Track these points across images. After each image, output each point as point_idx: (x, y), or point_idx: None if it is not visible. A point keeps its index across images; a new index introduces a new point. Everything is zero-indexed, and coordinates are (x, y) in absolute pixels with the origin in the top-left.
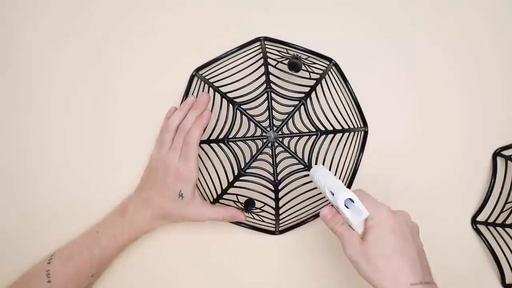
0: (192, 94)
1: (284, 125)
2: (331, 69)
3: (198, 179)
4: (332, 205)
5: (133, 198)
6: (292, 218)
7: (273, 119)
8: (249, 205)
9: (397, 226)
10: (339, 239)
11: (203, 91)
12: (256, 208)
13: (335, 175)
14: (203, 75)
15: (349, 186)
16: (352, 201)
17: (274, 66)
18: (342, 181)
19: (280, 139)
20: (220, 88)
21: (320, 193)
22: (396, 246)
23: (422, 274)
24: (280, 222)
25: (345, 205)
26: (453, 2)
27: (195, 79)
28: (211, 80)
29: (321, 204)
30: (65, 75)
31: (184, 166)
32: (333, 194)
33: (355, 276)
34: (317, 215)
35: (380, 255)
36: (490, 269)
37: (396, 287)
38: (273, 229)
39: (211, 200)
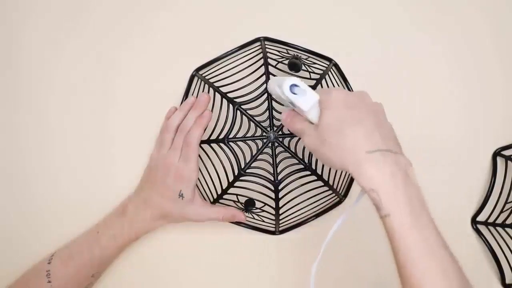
0: (192, 94)
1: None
2: (331, 69)
3: (198, 179)
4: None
5: (133, 198)
6: (292, 218)
7: (273, 119)
8: (249, 205)
9: (350, 102)
10: (301, 137)
11: (203, 91)
12: (256, 208)
13: (335, 175)
14: (203, 75)
15: (349, 186)
16: (298, 86)
17: (274, 66)
18: (342, 181)
19: (280, 139)
20: (220, 88)
21: (321, 192)
22: (347, 118)
23: (382, 143)
24: (280, 222)
25: (293, 93)
26: (453, 2)
27: (195, 79)
28: (211, 80)
29: (321, 204)
30: (65, 75)
31: (185, 166)
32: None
33: (356, 276)
34: (317, 215)
35: (333, 132)
36: (490, 269)
37: (353, 159)
38: (273, 229)
39: (211, 200)
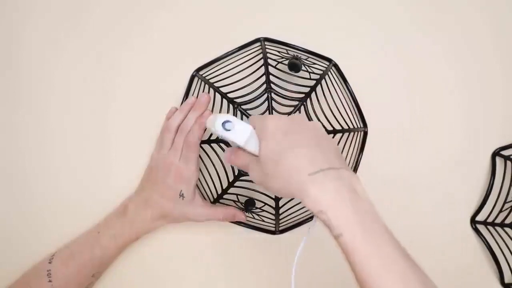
0: (193, 95)
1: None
2: (331, 70)
3: (198, 179)
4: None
5: (134, 198)
6: (292, 218)
7: None
8: (249, 205)
9: (286, 128)
10: (247, 172)
11: (203, 91)
12: (256, 208)
13: None
14: (204, 75)
15: None
16: (230, 121)
17: (274, 67)
18: None
19: None
20: (220, 88)
21: None
22: (285, 145)
23: (323, 162)
24: (280, 222)
25: (227, 129)
26: (453, 2)
27: (196, 79)
28: (211, 81)
29: None
30: (65, 75)
31: (185, 166)
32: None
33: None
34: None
35: (273, 162)
36: (489, 269)
37: (297, 184)
38: (273, 229)
39: (211, 200)
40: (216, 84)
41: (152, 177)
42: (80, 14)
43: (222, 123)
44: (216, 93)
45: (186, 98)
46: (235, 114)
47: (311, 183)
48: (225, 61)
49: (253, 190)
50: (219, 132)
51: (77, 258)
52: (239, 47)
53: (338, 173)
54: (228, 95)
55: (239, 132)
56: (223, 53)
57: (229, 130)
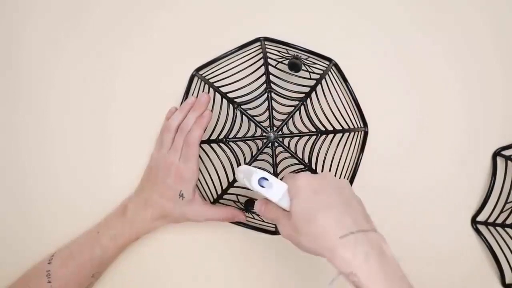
0: (192, 94)
1: (284, 125)
2: (331, 69)
3: (198, 179)
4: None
5: (134, 198)
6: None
7: (273, 119)
8: (249, 205)
9: (316, 187)
10: (276, 225)
11: (203, 91)
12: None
13: (335, 175)
14: (203, 75)
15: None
16: (266, 179)
17: (274, 66)
18: None
19: (280, 139)
20: (220, 88)
21: None
22: (315, 205)
23: (353, 224)
24: None
25: (262, 185)
26: (453, 2)
27: (195, 79)
28: (211, 80)
29: None
30: (65, 75)
31: (185, 166)
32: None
33: None
34: None
35: (304, 221)
36: (490, 269)
37: (328, 245)
38: (273, 229)
39: (211, 200)
40: (216, 84)
41: (152, 177)
42: (80, 14)
43: (258, 180)
44: (216, 93)
45: (186, 98)
46: (235, 114)
47: (342, 246)
48: (225, 61)
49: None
50: (255, 188)
51: (76, 258)
52: (239, 47)
53: (367, 236)
54: (228, 95)
55: (275, 189)
56: (223, 53)
57: (263, 187)
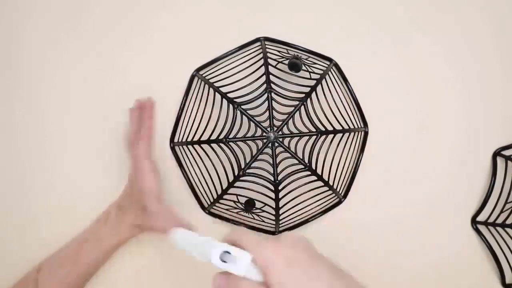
0: (192, 94)
1: (284, 125)
2: (331, 69)
3: (198, 179)
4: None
5: (114, 205)
6: (292, 218)
7: (273, 120)
8: (249, 205)
9: (289, 253)
10: None
11: (203, 91)
12: (256, 209)
13: (335, 175)
14: (203, 75)
15: (349, 186)
16: (229, 252)
17: (275, 66)
18: (342, 181)
19: (280, 139)
20: (220, 88)
21: (321, 192)
22: (300, 279)
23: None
24: (280, 222)
25: (223, 260)
26: (453, 2)
27: (195, 79)
28: (211, 81)
29: (321, 204)
30: (65, 75)
31: (141, 180)
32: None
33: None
34: (317, 215)
35: None
36: (490, 269)
37: None
38: (273, 229)
39: (211, 200)
40: (216, 84)
41: (128, 187)
42: (80, 14)
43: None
44: (216, 93)
45: (186, 97)
46: (235, 114)
47: None
48: (225, 61)
49: (253, 190)
50: (215, 265)
51: (64, 267)
52: (239, 47)
53: None
54: (228, 95)
55: (240, 261)
56: (223, 53)
57: (225, 262)
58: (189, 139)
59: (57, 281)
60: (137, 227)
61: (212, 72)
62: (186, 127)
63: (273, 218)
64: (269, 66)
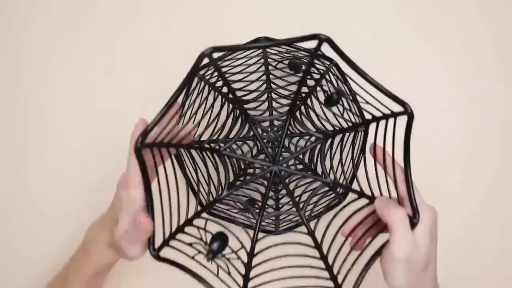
0: (192, 94)
1: (286, 126)
2: (331, 69)
3: (198, 179)
4: None
5: (95, 223)
6: (292, 218)
7: (274, 121)
8: (249, 205)
9: (434, 229)
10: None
11: (203, 91)
12: (256, 209)
13: (334, 176)
14: (204, 75)
15: (349, 187)
16: None
17: (275, 67)
18: (343, 181)
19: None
20: (220, 89)
21: (321, 192)
22: (432, 250)
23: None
24: (280, 222)
25: None
26: (454, 3)
27: (196, 79)
28: (211, 81)
29: (321, 204)
30: (65, 75)
31: (128, 187)
32: None
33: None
34: (317, 215)
35: (424, 264)
36: None
37: None
38: (273, 229)
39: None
40: (216, 84)
41: (114, 195)
42: (80, 14)
43: None
44: (216, 93)
45: (186, 97)
46: (235, 113)
47: None
48: (225, 61)
49: (253, 190)
50: None
51: None
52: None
53: None
54: (229, 95)
55: None
56: (223, 53)
57: None
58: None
59: None
60: (111, 247)
61: (212, 72)
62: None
63: (273, 218)
64: (269, 67)
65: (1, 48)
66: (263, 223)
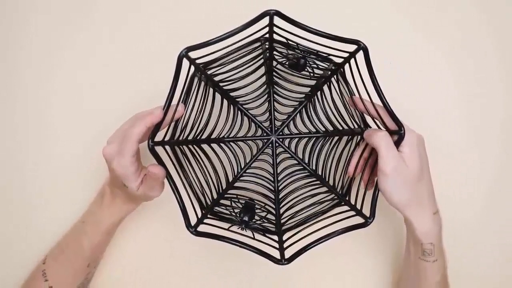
0: (192, 93)
1: (285, 127)
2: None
3: (198, 179)
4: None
5: (107, 183)
6: (292, 218)
7: (275, 121)
8: (249, 206)
9: (422, 142)
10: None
11: (203, 88)
12: (257, 209)
13: (334, 176)
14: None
15: (349, 187)
16: None
17: (275, 67)
18: (343, 181)
19: (281, 139)
20: (220, 86)
21: (321, 193)
22: (424, 166)
23: (435, 202)
24: (280, 222)
25: None
26: (454, 4)
27: (196, 78)
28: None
29: (321, 204)
30: (65, 75)
31: (117, 161)
32: None
33: (355, 275)
34: (317, 216)
35: (417, 179)
36: None
37: (422, 215)
38: (273, 229)
39: (210, 200)
40: (217, 82)
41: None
42: (79, 14)
43: None
44: (216, 92)
45: (186, 97)
46: (235, 113)
47: (433, 222)
48: (226, 61)
49: (253, 190)
50: None
51: (66, 252)
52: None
53: (439, 216)
54: (229, 93)
55: None
56: (224, 53)
57: None
58: (186, 138)
59: (63, 268)
60: (130, 201)
61: (213, 71)
62: (184, 125)
63: (273, 218)
64: (271, 66)
65: (1, 48)
66: (263, 224)
